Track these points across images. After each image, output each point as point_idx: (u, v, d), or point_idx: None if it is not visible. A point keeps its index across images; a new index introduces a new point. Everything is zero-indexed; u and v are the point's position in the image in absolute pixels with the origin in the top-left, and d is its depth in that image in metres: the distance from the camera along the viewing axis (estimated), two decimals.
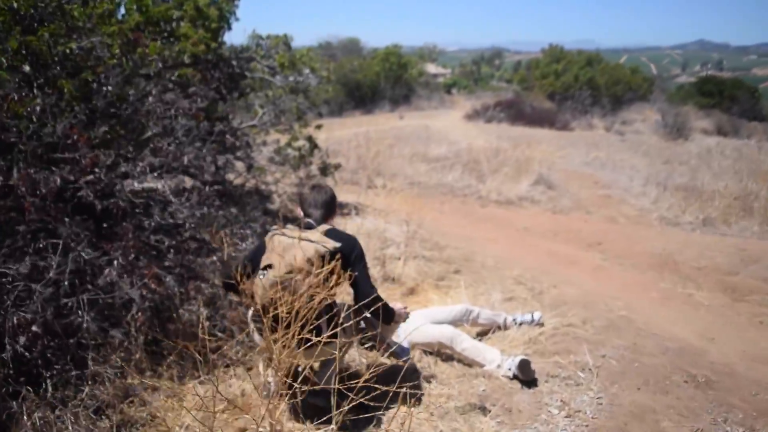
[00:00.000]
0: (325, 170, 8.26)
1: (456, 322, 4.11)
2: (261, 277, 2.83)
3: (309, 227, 3.07)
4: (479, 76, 74.71)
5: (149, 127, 4.21)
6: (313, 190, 3.23)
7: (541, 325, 4.30)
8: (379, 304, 2.99)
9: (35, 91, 3.63)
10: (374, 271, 5.42)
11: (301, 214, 3.21)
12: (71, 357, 3.00)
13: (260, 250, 3.03)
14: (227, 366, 3.45)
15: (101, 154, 3.48)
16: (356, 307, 3.03)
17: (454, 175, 11.24)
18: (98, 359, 3.04)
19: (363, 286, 3.00)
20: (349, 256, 3.00)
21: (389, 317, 3.18)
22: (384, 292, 5.09)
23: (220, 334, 3.68)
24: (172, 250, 3.98)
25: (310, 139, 7.97)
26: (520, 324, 4.26)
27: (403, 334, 3.74)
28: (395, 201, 9.16)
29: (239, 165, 7.83)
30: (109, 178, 3.58)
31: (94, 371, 2.96)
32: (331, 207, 3.21)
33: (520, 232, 7.92)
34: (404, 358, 3.37)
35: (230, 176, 7.21)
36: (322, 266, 2.85)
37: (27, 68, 3.66)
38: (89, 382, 2.89)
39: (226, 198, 6.16)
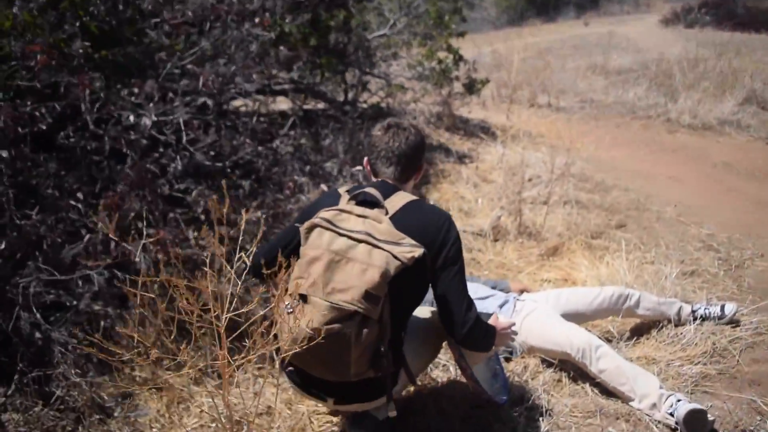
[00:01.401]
0: (471, 87, 7.01)
1: (603, 313, 2.90)
2: (288, 311, 1.77)
3: (369, 202, 1.95)
4: None
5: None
6: (388, 132, 2.08)
7: (736, 323, 2.92)
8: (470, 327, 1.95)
9: None
10: (507, 221, 4.26)
11: (368, 168, 2.15)
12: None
13: (290, 242, 2.00)
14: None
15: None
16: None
17: (637, 92, 9.24)
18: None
19: (456, 308, 1.94)
20: (435, 257, 1.92)
21: (488, 343, 2.10)
22: (515, 250, 3.95)
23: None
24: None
25: (452, 49, 6.70)
26: (702, 319, 2.91)
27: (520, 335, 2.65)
28: (557, 123, 7.65)
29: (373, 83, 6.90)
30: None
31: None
32: (413, 161, 2.09)
33: (717, 170, 6.08)
34: (500, 399, 2.26)
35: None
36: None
37: None
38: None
39: (339, 123, 5.27)
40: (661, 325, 2.93)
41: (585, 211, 4.54)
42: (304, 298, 1.78)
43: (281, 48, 3.95)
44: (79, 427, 2.16)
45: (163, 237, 2.42)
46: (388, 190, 2.02)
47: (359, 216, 1.88)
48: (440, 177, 5.12)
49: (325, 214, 1.88)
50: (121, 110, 2.74)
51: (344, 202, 1.97)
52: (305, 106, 6.27)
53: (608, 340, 2.82)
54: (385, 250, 1.78)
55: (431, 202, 4.64)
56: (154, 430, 2.22)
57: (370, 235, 1.81)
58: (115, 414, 2.23)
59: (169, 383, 2.24)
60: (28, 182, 2.42)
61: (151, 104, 2.78)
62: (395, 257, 1.77)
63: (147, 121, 2.71)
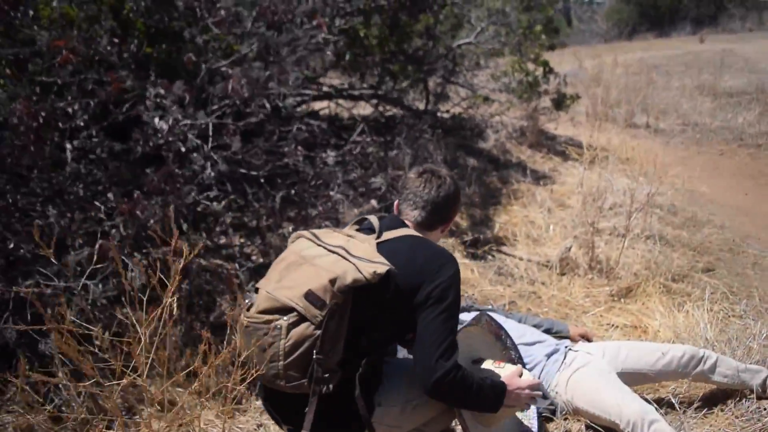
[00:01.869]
0: (560, 102, 6.62)
1: (668, 375, 2.54)
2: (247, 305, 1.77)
3: (369, 229, 1.92)
4: None
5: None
6: (422, 176, 2.00)
7: None
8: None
9: None
10: (578, 253, 3.92)
11: (395, 211, 2.03)
12: None
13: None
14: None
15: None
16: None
17: (747, 117, 8.43)
18: None
19: (427, 351, 1.72)
20: (416, 290, 1.74)
21: (494, 402, 1.86)
22: (582, 287, 3.61)
23: None
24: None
25: (540, 61, 6.33)
26: None
27: (559, 389, 2.36)
28: (653, 145, 7.08)
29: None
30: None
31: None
32: (441, 210, 1.98)
33: None
34: None
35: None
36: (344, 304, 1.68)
37: None
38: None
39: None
40: (740, 395, 2.53)
41: (668, 249, 4.10)
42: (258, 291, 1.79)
43: (328, 53, 3.79)
44: None
45: (179, 246, 2.32)
46: (395, 224, 1.93)
47: (347, 235, 1.86)
48: (512, 198, 4.82)
49: (316, 231, 1.91)
50: (146, 111, 2.68)
51: (347, 228, 1.97)
52: (387, 113, 6.15)
53: (671, 407, 2.46)
54: (351, 262, 1.69)
55: (496, 225, 4.36)
56: None
57: (345, 249, 1.74)
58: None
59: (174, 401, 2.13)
60: (51, 180, 2.40)
61: (174, 107, 2.70)
62: (358, 270, 1.66)
63: (164, 125, 2.63)
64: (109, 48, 2.68)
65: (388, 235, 1.88)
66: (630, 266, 3.81)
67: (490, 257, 4.06)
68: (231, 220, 2.80)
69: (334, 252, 1.76)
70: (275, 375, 1.67)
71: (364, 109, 6.37)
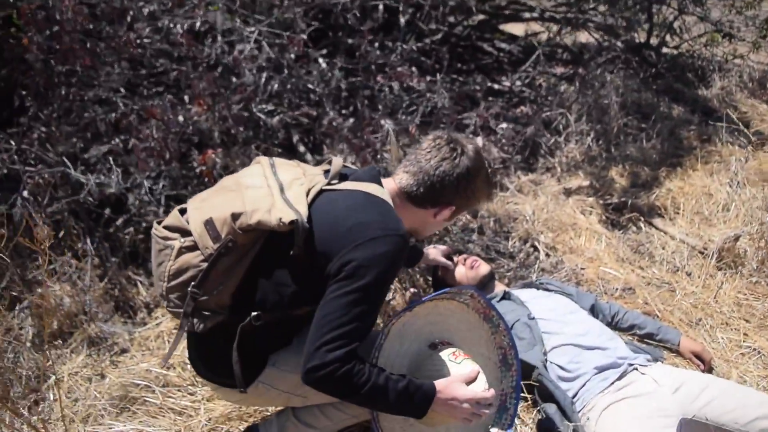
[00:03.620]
0: None
1: None
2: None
3: (341, 177, 1.59)
4: None
5: None
6: (436, 141, 1.61)
7: None
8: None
9: None
10: (751, 245, 2.98)
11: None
12: None
13: None
14: None
15: None
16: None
17: None
18: None
19: (314, 335, 1.40)
20: (329, 257, 1.42)
21: (412, 409, 1.50)
22: (737, 291, 2.79)
23: None
24: None
25: None
26: None
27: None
28: None
29: None
30: None
31: None
32: (436, 190, 1.59)
33: None
34: None
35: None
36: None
37: None
38: None
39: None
40: None
41: None
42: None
43: None
44: None
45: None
46: (364, 176, 1.59)
47: (303, 172, 1.60)
48: (698, 162, 3.82)
49: (279, 159, 1.67)
50: None
51: (321, 166, 1.70)
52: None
53: None
54: (275, 201, 1.46)
55: (660, 191, 3.52)
56: None
57: (282, 187, 1.51)
58: None
59: None
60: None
61: None
62: (269, 211, 1.42)
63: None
64: None
65: (344, 185, 1.54)
66: None
67: (633, 229, 3.29)
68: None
69: (269, 186, 1.50)
70: (161, 294, 1.52)
71: (571, 35, 5.51)
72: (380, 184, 1.58)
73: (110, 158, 2.48)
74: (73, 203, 2.48)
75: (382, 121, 2.47)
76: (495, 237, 3.11)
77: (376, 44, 3.36)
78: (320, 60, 3.17)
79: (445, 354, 1.65)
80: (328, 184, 1.54)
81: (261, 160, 1.64)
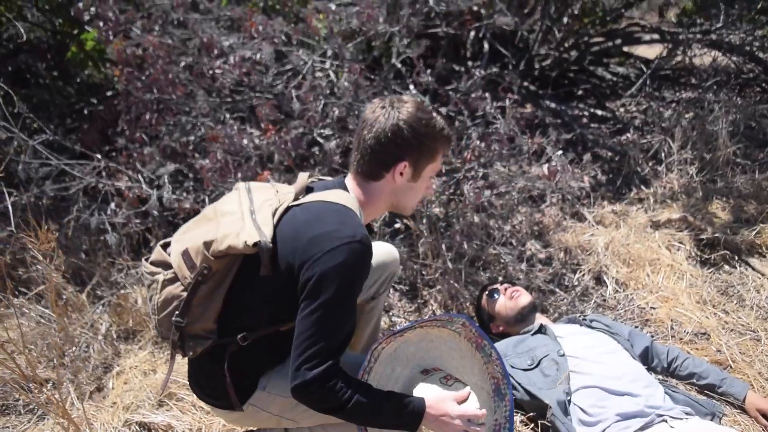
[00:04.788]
0: None
1: None
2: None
3: (308, 190, 1.65)
4: None
5: None
6: (374, 105, 1.61)
7: None
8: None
9: None
10: None
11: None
12: None
13: None
14: None
15: None
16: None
17: None
18: None
19: (294, 353, 1.44)
20: (292, 271, 1.47)
21: (402, 424, 1.52)
22: None
23: None
24: None
25: None
26: None
27: None
28: None
29: None
30: None
31: None
32: (387, 149, 1.58)
33: None
34: None
35: None
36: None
37: None
38: None
39: None
40: None
41: None
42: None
43: None
44: None
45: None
46: (331, 185, 1.66)
47: (276, 191, 1.64)
48: None
49: (256, 183, 1.73)
50: None
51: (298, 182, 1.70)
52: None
53: None
54: (245, 225, 1.51)
55: (763, 229, 3.15)
56: None
57: (252, 211, 1.56)
58: None
59: None
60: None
61: None
62: (238, 235, 1.47)
63: None
64: None
65: (308, 198, 1.58)
66: None
67: (725, 268, 2.97)
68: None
69: (241, 211, 1.57)
70: (155, 327, 1.61)
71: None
72: (345, 187, 1.61)
73: (188, 174, 2.78)
74: (154, 218, 2.79)
75: None
76: (562, 269, 2.97)
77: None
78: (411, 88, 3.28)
79: (437, 377, 1.65)
80: (295, 199, 1.58)
81: (239, 186, 1.70)
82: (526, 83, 4.31)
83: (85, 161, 2.84)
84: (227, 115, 2.82)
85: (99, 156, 2.79)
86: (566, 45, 4.70)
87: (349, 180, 1.65)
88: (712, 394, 2.20)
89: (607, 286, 2.87)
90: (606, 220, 3.31)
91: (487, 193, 2.70)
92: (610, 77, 4.83)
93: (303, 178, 1.63)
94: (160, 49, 2.66)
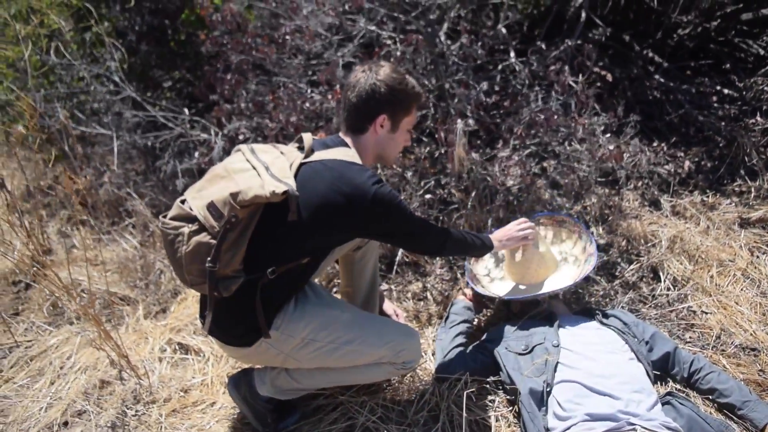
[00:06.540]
0: None
1: None
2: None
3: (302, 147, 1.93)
4: None
5: None
6: (362, 67, 1.95)
7: None
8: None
9: None
10: None
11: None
12: None
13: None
14: None
15: None
16: None
17: None
18: None
19: (422, 251, 2.08)
20: (320, 215, 1.77)
21: (476, 250, 2.17)
22: None
23: None
24: None
25: None
26: None
27: None
28: None
29: None
30: None
31: None
32: (369, 104, 1.90)
33: None
34: None
35: None
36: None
37: None
38: None
39: None
40: None
41: None
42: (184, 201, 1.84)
43: None
44: None
45: None
46: (333, 143, 1.92)
47: (281, 152, 1.87)
48: None
49: (257, 144, 1.93)
50: None
51: (290, 145, 1.98)
52: None
53: None
54: (263, 178, 1.71)
55: None
56: None
57: (267, 166, 1.77)
58: None
59: None
60: None
61: None
62: (262, 187, 1.68)
63: None
64: None
65: (319, 155, 1.83)
66: None
67: None
68: None
69: (254, 168, 1.77)
70: (183, 278, 1.81)
71: None
72: (345, 144, 1.88)
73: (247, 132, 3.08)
74: None
75: (459, 120, 2.47)
76: (618, 257, 2.81)
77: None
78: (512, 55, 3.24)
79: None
80: (306, 157, 1.82)
81: (242, 148, 1.90)
82: (651, 54, 3.95)
83: (179, 113, 3.25)
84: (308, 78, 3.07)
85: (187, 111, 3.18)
86: (712, 12, 4.19)
87: (345, 137, 1.92)
88: (731, 415, 2.03)
89: (661, 282, 2.68)
90: (687, 212, 3.03)
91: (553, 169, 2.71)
92: (756, 50, 4.23)
93: (308, 138, 1.88)
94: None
